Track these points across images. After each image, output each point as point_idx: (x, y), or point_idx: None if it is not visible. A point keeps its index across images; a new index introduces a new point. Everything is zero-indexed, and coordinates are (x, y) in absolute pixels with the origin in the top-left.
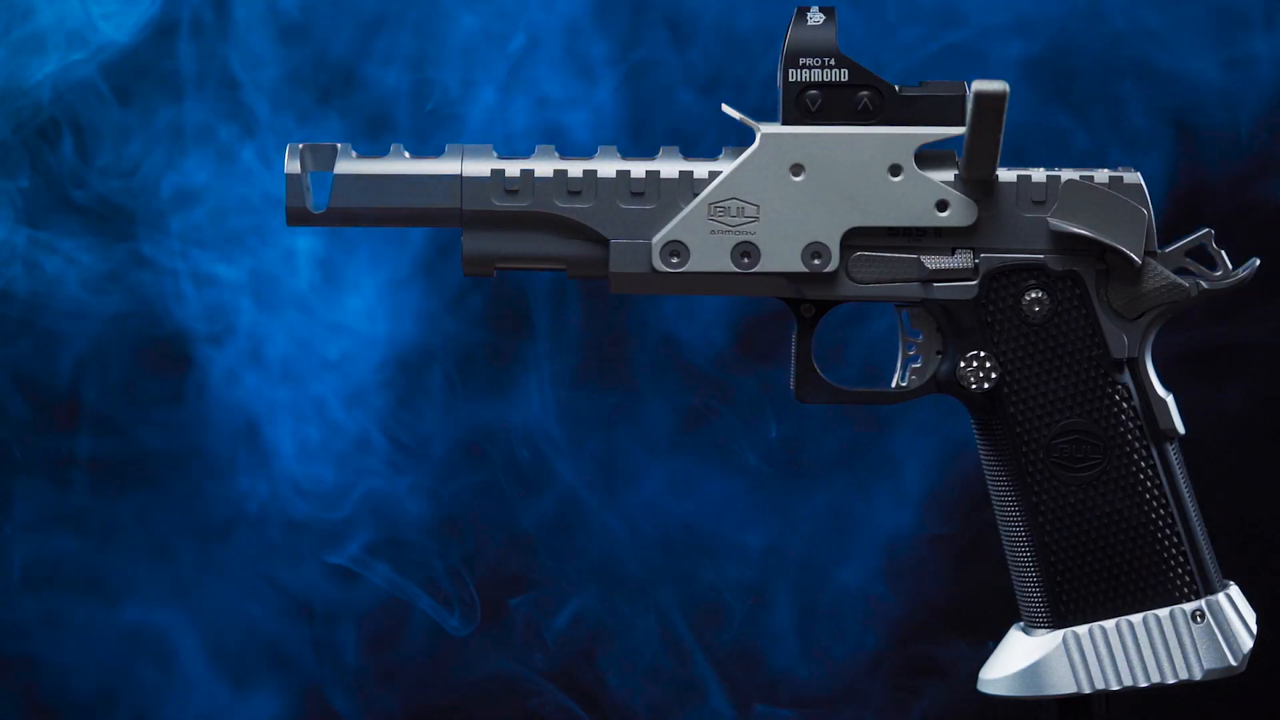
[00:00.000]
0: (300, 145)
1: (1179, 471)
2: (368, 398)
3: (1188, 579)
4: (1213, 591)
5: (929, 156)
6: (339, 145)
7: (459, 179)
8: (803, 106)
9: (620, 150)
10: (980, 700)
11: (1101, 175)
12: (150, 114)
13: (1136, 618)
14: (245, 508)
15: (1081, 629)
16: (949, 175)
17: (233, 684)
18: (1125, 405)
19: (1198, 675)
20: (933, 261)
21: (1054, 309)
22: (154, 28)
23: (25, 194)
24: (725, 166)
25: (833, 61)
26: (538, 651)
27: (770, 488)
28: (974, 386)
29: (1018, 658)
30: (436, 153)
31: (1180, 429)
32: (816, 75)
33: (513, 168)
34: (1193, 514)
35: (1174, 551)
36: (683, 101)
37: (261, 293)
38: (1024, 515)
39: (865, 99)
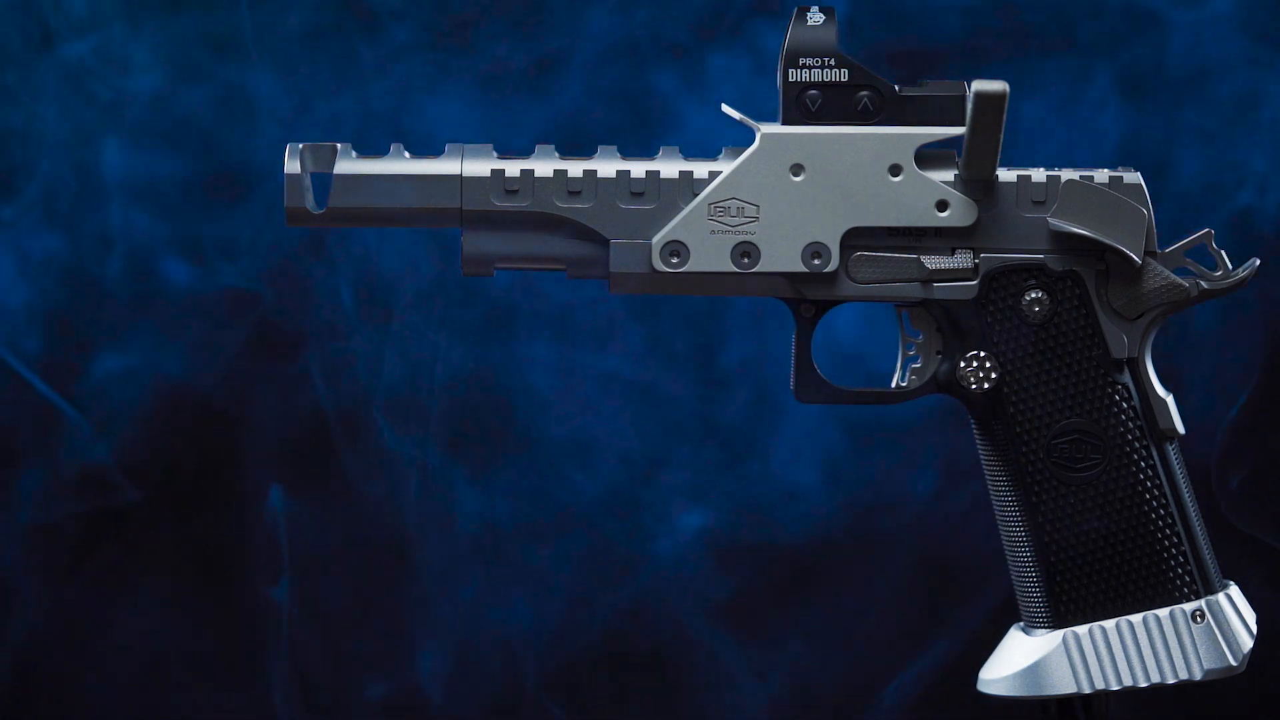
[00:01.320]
0: (300, 145)
1: (1179, 471)
2: None
3: (1188, 579)
4: (1213, 591)
5: (929, 156)
6: (339, 145)
7: (459, 179)
8: (803, 106)
9: (620, 150)
10: (979, 701)
11: (1101, 175)
12: None
13: (1136, 618)
14: None
15: (1081, 629)
16: (949, 175)
17: None
18: (1125, 405)
19: (1198, 675)
20: (933, 261)
21: (1054, 309)
22: None
23: None
24: (725, 166)
25: (833, 61)
26: None
27: None
28: (974, 386)
29: (1018, 658)
30: (436, 153)
31: (1180, 429)
32: (816, 75)
33: (512, 167)
34: (1193, 514)
35: (1174, 551)
36: None
37: None
38: (1024, 515)
39: (865, 99)
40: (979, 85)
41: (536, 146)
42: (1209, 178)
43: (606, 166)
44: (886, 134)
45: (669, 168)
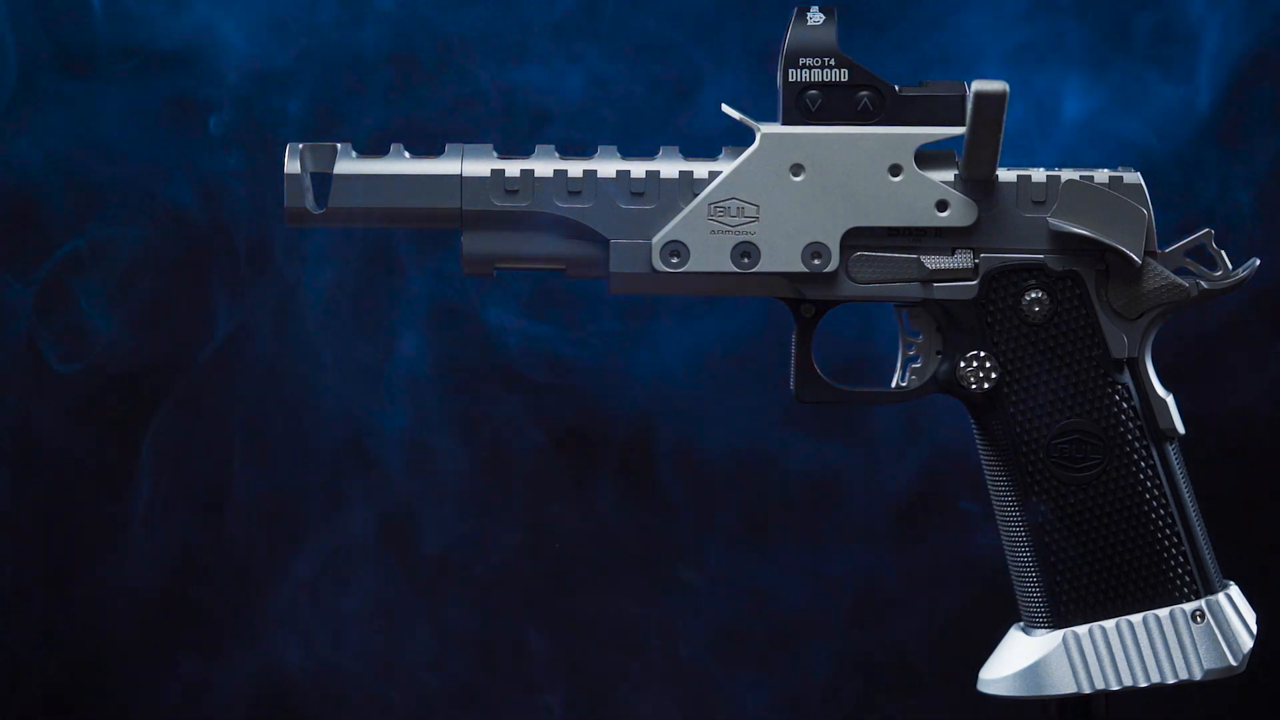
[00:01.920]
0: (300, 145)
1: (1179, 471)
2: None
3: (1188, 579)
4: (1213, 591)
5: (929, 156)
6: (339, 145)
7: (459, 179)
8: (803, 106)
9: (620, 150)
10: (980, 700)
11: (1101, 175)
12: None
13: (1136, 618)
14: None
15: (1081, 629)
16: (949, 175)
17: None
18: (1125, 405)
19: (1198, 675)
20: (933, 261)
21: (1054, 309)
22: None
23: None
24: (725, 166)
25: (833, 61)
26: None
27: None
28: (974, 386)
29: (1018, 658)
30: (436, 153)
31: (1180, 429)
32: (816, 75)
33: (512, 168)
34: (1193, 514)
35: (1174, 551)
36: None
37: None
38: (1024, 515)
39: (865, 99)
40: (979, 85)
41: (536, 147)
42: None
43: (606, 166)
44: (886, 134)
45: (669, 168)
